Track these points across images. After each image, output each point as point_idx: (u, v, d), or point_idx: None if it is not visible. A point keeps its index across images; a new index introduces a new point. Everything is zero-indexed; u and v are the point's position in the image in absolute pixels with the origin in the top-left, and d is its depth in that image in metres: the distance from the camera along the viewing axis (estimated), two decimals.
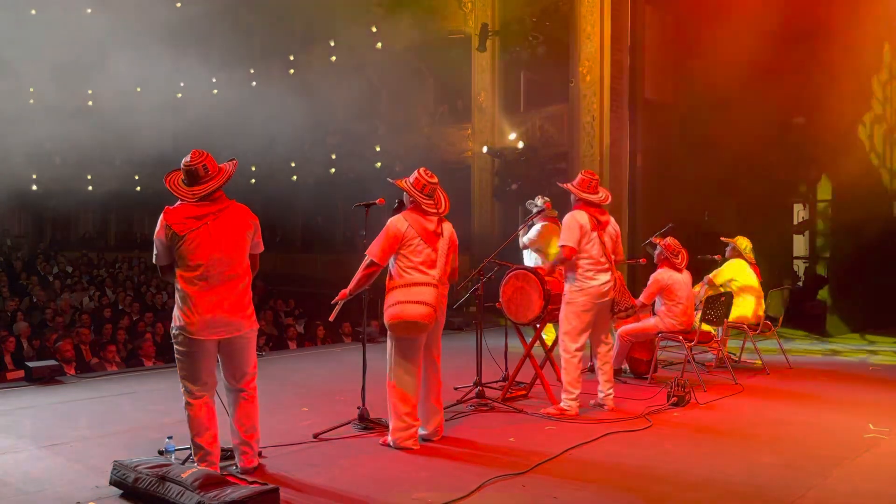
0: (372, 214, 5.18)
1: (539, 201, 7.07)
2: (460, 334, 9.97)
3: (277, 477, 4.17)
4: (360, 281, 4.76)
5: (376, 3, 17.37)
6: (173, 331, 4.10)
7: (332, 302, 4.85)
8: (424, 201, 4.74)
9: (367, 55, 17.88)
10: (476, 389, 5.96)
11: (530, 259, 7.65)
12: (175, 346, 4.12)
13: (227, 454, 4.35)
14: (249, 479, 3.89)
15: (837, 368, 7.78)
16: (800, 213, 12.49)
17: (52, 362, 7.55)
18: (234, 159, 4.29)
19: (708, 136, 12.30)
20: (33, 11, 20.01)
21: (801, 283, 12.14)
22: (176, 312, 4.09)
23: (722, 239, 7.79)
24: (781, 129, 12.01)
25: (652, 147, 11.96)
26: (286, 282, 17.60)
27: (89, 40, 18.28)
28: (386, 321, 4.67)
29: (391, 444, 4.73)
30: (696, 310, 6.90)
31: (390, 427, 4.75)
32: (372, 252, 4.69)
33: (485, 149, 14.76)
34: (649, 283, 6.73)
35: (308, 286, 16.16)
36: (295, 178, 20.57)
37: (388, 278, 4.79)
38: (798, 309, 11.66)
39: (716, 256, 7.96)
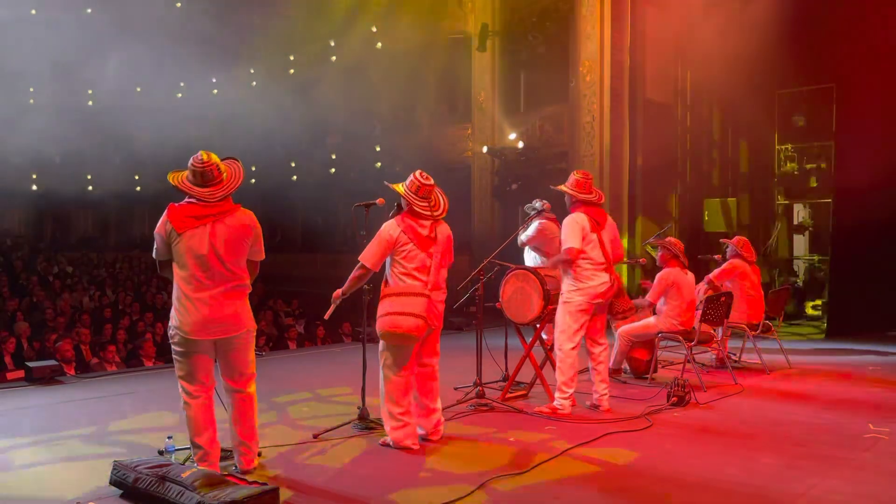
0: (372, 214, 5.18)
1: (538, 204, 7.07)
2: (460, 334, 9.98)
3: (277, 477, 4.17)
4: (352, 282, 4.78)
5: (376, 3, 17.38)
6: (170, 330, 4.10)
7: (332, 299, 4.88)
8: (418, 203, 4.73)
9: (367, 55, 17.87)
10: (476, 389, 5.96)
11: (531, 259, 7.65)
12: (172, 346, 4.12)
13: (226, 454, 4.35)
14: (249, 479, 3.89)
15: (837, 368, 7.77)
16: (800, 213, 12.49)
17: (52, 362, 7.55)
18: (236, 159, 4.28)
19: (708, 136, 12.31)
20: (33, 11, 20.00)
21: (801, 283, 12.13)
22: (172, 311, 4.10)
23: (722, 241, 7.79)
24: (782, 129, 12.02)
25: (652, 147, 11.96)
26: (286, 282, 17.60)
27: (89, 40, 18.28)
28: (377, 329, 4.68)
29: (391, 444, 4.73)
30: (696, 310, 6.89)
31: (387, 428, 4.76)
32: (364, 257, 4.70)
33: (485, 149, 14.76)
34: (656, 282, 6.71)
35: (308, 286, 16.15)
36: (295, 178, 20.59)
37: (383, 283, 4.79)
38: (798, 309, 11.68)
39: (716, 256, 7.96)
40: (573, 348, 5.61)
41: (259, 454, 4.41)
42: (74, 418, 5.75)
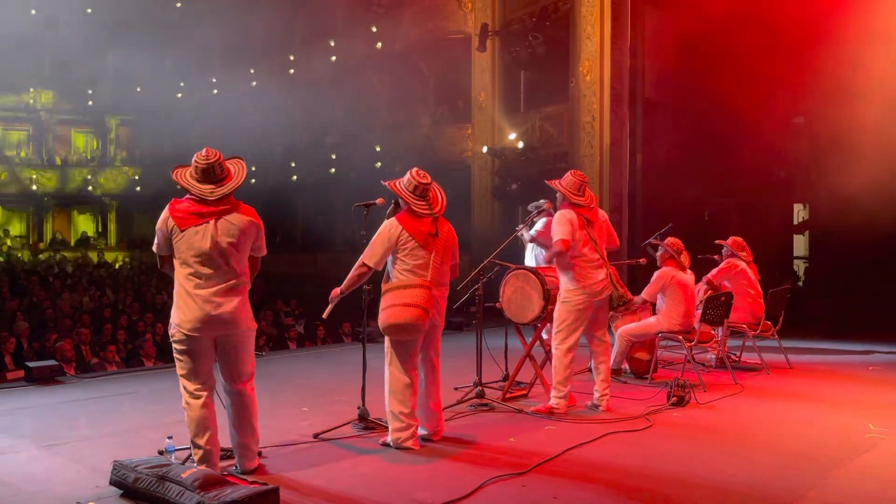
0: (372, 214, 5.17)
1: (541, 202, 7.11)
2: (460, 334, 9.98)
3: (277, 477, 4.17)
4: (352, 281, 4.77)
5: (376, 3, 17.40)
6: (170, 328, 4.10)
7: (330, 298, 4.88)
8: (415, 202, 4.73)
9: (367, 55, 17.87)
10: (476, 389, 5.96)
11: (531, 258, 7.65)
12: (173, 344, 4.12)
13: (227, 454, 4.34)
14: (249, 479, 3.89)
15: (837, 368, 7.78)
16: (800, 213, 12.50)
17: (52, 362, 7.56)
18: (240, 158, 4.29)
19: (708, 136, 12.31)
20: (33, 11, 20.04)
21: (800, 283, 12.14)
22: (173, 309, 4.10)
23: (717, 242, 7.81)
24: (782, 129, 12.02)
25: (652, 147, 11.97)
26: (286, 282, 17.60)
27: (89, 39, 18.31)
28: (380, 324, 4.68)
29: (391, 444, 4.73)
30: (696, 310, 6.89)
31: (389, 428, 4.75)
32: (366, 257, 4.70)
33: (485, 149, 14.76)
34: (654, 279, 6.69)
35: (308, 286, 16.15)
36: (295, 178, 20.59)
37: (384, 281, 4.79)
38: (798, 309, 11.67)
39: (715, 256, 7.97)
40: (569, 348, 5.61)
41: (259, 454, 4.41)
42: (74, 418, 5.75)
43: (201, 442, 4.09)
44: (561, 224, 5.56)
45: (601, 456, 4.60)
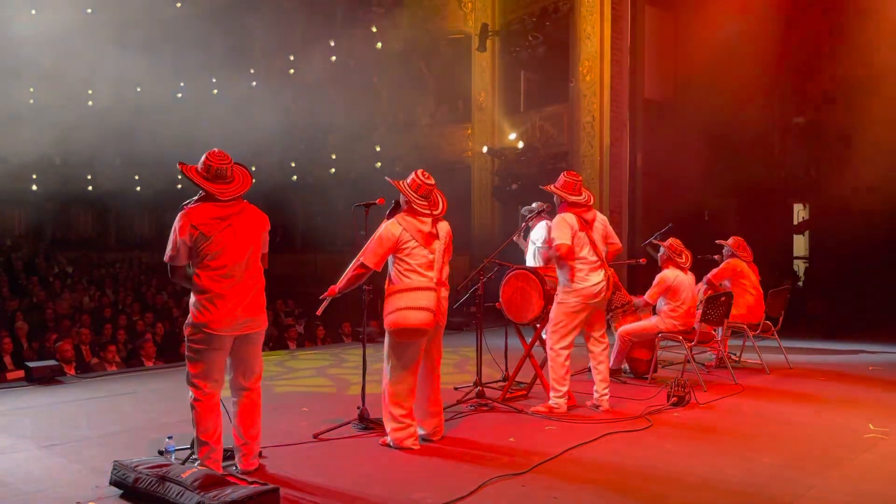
0: (372, 214, 5.18)
1: (535, 206, 7.08)
2: (460, 334, 9.97)
3: (277, 477, 4.17)
4: (350, 281, 4.77)
5: (376, 3, 17.39)
6: (191, 329, 4.07)
7: (321, 297, 4.90)
8: (418, 202, 4.73)
9: (367, 55, 17.87)
10: (476, 389, 5.96)
11: (532, 259, 7.64)
12: (190, 344, 4.11)
13: (227, 454, 4.34)
14: (249, 479, 3.89)
15: (837, 368, 7.78)
16: (800, 213, 12.50)
17: (52, 362, 7.55)
18: (244, 167, 4.31)
19: (708, 136, 12.31)
20: (33, 11, 20.02)
21: (800, 283, 12.14)
22: (195, 310, 4.07)
23: (717, 242, 7.81)
24: (782, 129, 12.02)
25: (652, 147, 11.96)
26: (286, 282, 17.59)
27: (89, 39, 18.30)
28: (387, 327, 4.67)
29: (391, 444, 4.73)
30: (696, 310, 6.89)
31: (388, 429, 4.75)
32: (365, 257, 4.69)
33: (485, 149, 14.76)
34: (655, 282, 6.70)
35: (308, 286, 16.14)
36: (295, 178, 20.59)
37: (387, 282, 4.78)
38: (798, 309, 11.67)
39: (715, 256, 7.97)
40: (565, 348, 5.61)
41: (259, 454, 4.41)
42: (74, 418, 5.75)
43: (207, 439, 4.11)
44: (562, 229, 5.56)
45: (601, 456, 4.60)
